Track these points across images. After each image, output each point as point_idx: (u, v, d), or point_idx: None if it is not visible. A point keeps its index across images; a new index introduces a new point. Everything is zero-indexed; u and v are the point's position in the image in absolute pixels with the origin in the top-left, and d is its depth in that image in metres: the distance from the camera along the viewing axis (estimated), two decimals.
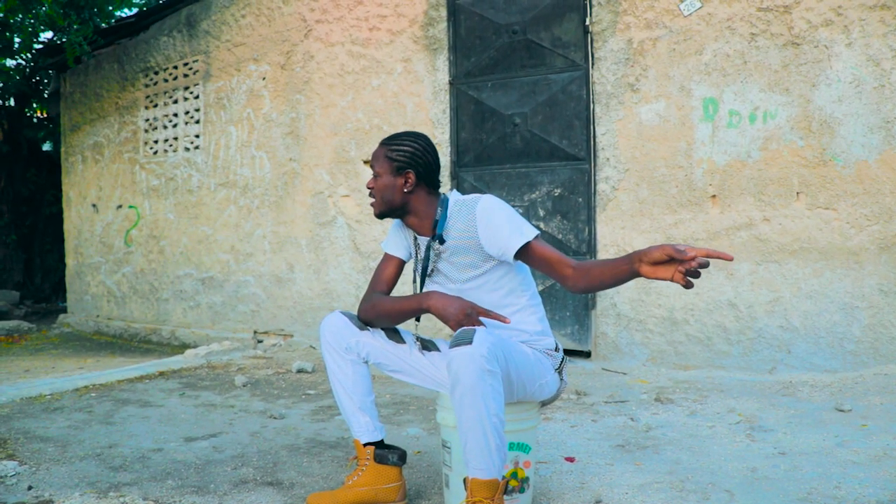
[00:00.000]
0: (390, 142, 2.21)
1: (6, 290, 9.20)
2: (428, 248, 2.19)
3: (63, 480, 2.49)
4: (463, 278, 2.16)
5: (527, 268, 2.22)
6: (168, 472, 2.59)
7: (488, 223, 2.09)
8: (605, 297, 4.59)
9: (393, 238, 2.34)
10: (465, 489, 1.91)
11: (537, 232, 2.07)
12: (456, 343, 1.85)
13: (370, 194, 2.23)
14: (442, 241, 2.16)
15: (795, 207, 4.10)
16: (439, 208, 2.20)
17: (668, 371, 4.31)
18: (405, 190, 2.18)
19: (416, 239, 2.26)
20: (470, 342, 1.83)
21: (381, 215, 2.24)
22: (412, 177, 2.17)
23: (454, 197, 2.22)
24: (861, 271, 3.96)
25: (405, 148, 2.18)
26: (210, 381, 4.33)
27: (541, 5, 4.77)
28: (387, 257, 2.32)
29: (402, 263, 2.33)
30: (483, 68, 5.00)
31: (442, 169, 5.01)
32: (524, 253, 2.07)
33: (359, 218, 5.49)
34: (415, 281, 2.26)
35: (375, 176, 2.21)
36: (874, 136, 3.92)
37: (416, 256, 2.27)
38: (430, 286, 2.22)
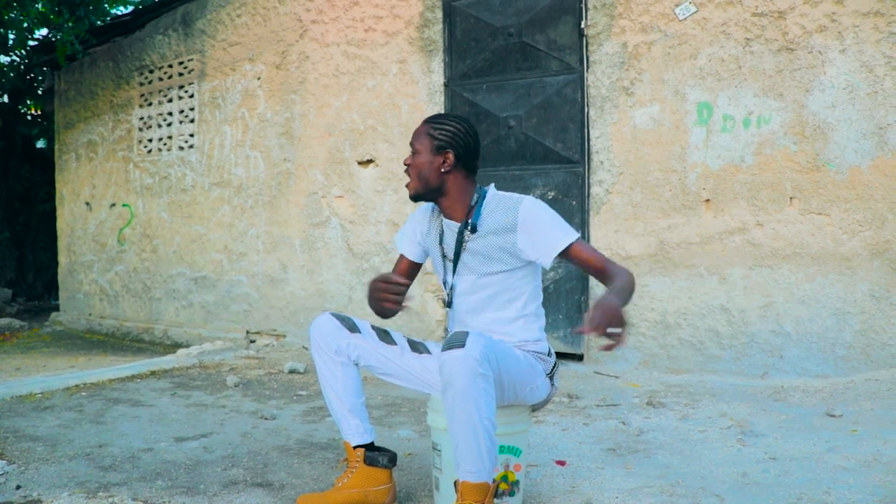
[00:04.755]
0: (434, 120, 2.19)
1: None
2: (460, 234, 2.17)
3: (52, 480, 2.48)
4: (482, 271, 2.15)
5: (540, 277, 2.22)
6: (158, 472, 2.58)
7: (531, 228, 2.09)
8: None
9: (406, 234, 2.33)
10: (456, 492, 1.90)
11: (578, 234, 2.10)
12: (448, 346, 1.85)
13: (406, 171, 2.21)
14: (474, 230, 2.14)
15: (788, 212, 4.11)
16: (476, 195, 2.19)
17: (661, 375, 4.32)
18: (442, 170, 2.15)
19: (442, 222, 2.24)
20: (462, 345, 1.82)
21: (415, 197, 2.20)
22: (451, 157, 2.15)
23: (493, 190, 2.21)
24: (853, 277, 3.97)
25: (448, 127, 2.16)
26: (202, 381, 4.31)
27: (536, 8, 4.78)
28: (400, 258, 2.35)
29: (413, 265, 2.34)
30: (478, 70, 5.00)
31: None
32: (565, 253, 2.09)
33: (352, 219, 5.48)
34: (444, 266, 2.24)
35: (414, 153, 2.18)
36: (867, 141, 3.94)
37: (441, 241, 2.24)
38: (456, 274, 2.21)
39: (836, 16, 3.99)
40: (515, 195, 2.17)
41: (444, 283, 2.25)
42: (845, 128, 3.98)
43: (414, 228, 2.33)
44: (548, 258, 2.09)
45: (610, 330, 1.77)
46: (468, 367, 1.80)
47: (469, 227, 2.15)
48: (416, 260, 2.34)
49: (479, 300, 2.17)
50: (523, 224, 2.10)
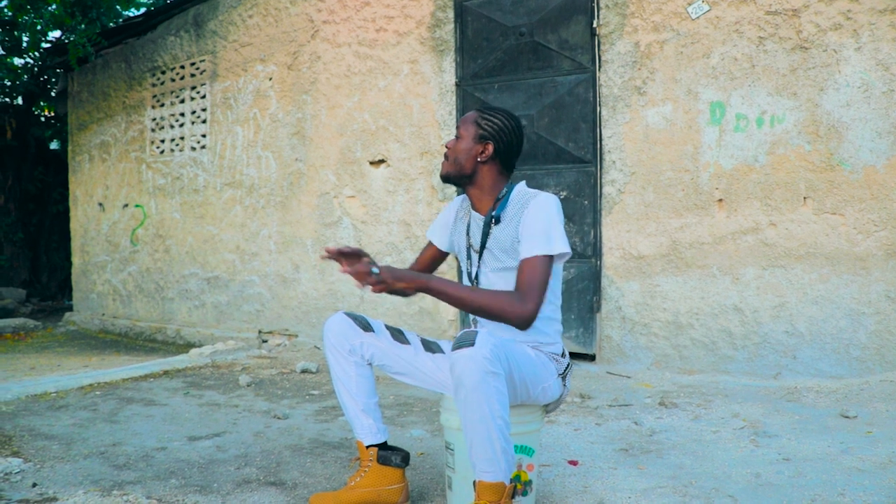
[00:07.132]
0: (485, 110, 2.24)
1: (13, 288, 9.24)
2: (486, 225, 2.19)
3: (67, 478, 2.50)
4: (498, 266, 2.16)
5: (560, 277, 2.21)
6: (171, 471, 2.60)
7: (527, 222, 2.08)
8: (610, 301, 4.58)
9: (439, 225, 2.39)
10: (475, 492, 1.91)
11: (560, 251, 2.04)
12: (458, 345, 1.84)
13: (445, 155, 2.25)
14: (498, 221, 2.16)
15: (802, 212, 4.09)
16: (505, 189, 2.22)
17: (673, 375, 4.30)
18: (479, 159, 2.19)
19: (470, 214, 2.27)
20: (472, 344, 1.82)
21: (446, 177, 2.24)
22: (490, 148, 2.19)
23: (521, 186, 2.23)
24: (868, 277, 3.94)
25: (495, 120, 2.20)
26: (214, 381, 4.33)
27: (548, 7, 4.77)
28: (428, 244, 2.41)
29: (440, 253, 2.38)
30: (490, 70, 4.99)
31: None
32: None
33: (364, 219, 5.49)
34: (469, 258, 2.25)
35: (457, 137, 2.23)
36: (882, 141, 3.91)
37: (468, 232, 2.26)
38: (480, 266, 2.22)
39: (851, 13, 3.96)
40: (536, 191, 2.17)
41: (469, 275, 2.26)
42: (860, 127, 3.95)
43: (446, 218, 2.38)
44: (519, 255, 2.07)
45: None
46: (478, 365, 1.80)
47: (494, 219, 2.17)
48: (442, 248, 2.38)
49: None
50: (527, 215, 2.10)
